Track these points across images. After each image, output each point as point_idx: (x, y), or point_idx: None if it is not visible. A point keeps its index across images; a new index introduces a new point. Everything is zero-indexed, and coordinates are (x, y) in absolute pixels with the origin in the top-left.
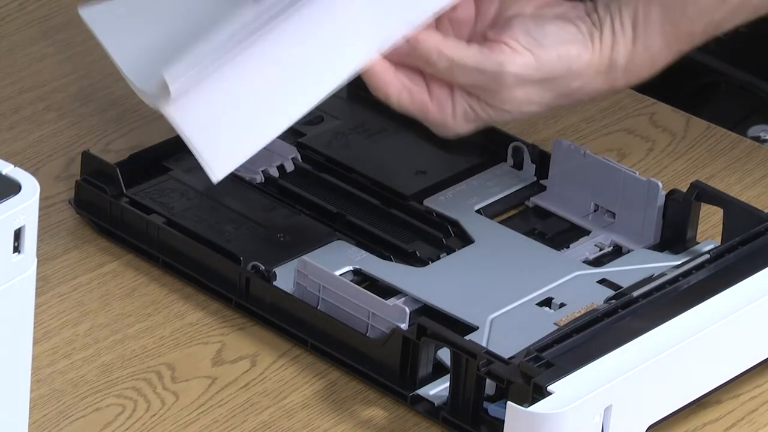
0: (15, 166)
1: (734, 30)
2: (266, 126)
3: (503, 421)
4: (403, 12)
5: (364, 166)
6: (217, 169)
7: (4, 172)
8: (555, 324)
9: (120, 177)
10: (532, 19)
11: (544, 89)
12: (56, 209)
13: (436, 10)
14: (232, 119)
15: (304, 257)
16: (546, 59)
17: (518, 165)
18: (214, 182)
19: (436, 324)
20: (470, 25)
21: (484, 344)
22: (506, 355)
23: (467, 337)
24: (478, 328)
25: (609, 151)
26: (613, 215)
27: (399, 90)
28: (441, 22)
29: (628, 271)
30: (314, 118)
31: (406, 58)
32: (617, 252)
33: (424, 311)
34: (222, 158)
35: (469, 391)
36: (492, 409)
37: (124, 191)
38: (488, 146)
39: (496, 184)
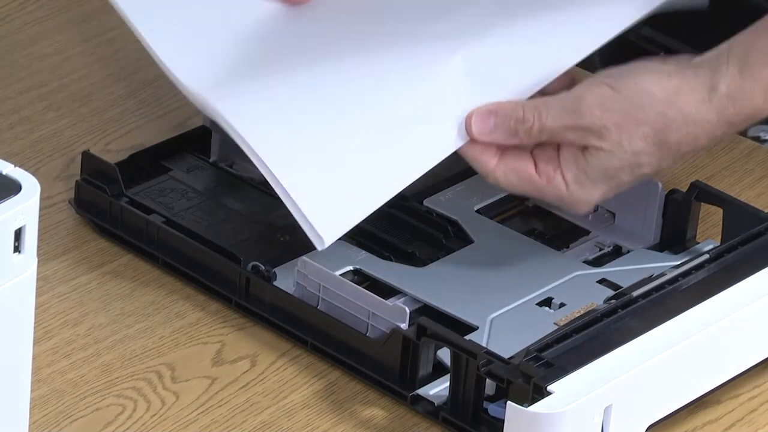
0: (15, 166)
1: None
2: (377, 188)
3: (503, 421)
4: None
5: None
6: (326, 235)
7: (4, 172)
8: (555, 324)
9: (120, 177)
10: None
11: (638, 122)
12: (56, 209)
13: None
14: (340, 178)
15: (304, 257)
16: (622, 86)
17: None
18: (320, 249)
19: (436, 324)
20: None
21: (484, 344)
22: (506, 355)
23: (467, 337)
24: (478, 328)
25: None
26: (613, 215)
27: (505, 171)
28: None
29: (628, 271)
30: None
31: (498, 132)
32: (617, 252)
33: (424, 311)
34: (331, 221)
35: (469, 391)
36: (492, 409)
37: (124, 191)
38: None
39: None
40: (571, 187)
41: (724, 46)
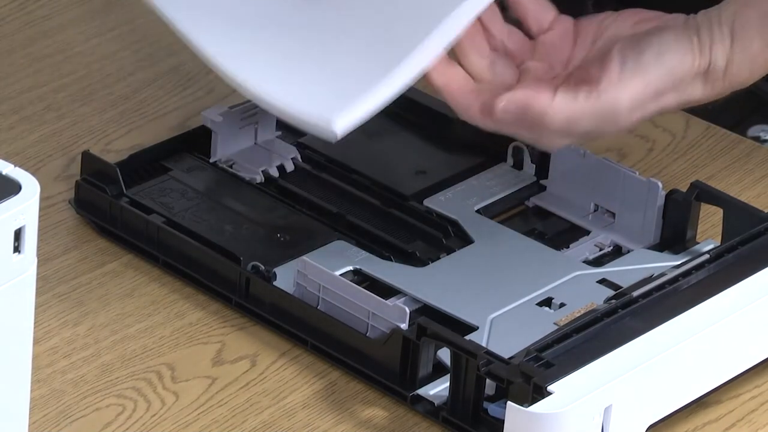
0: (15, 166)
1: None
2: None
3: (503, 421)
4: None
5: (364, 166)
6: (339, 121)
7: (4, 172)
8: (555, 324)
9: (120, 177)
10: (628, 42)
11: (655, 101)
12: (56, 209)
13: None
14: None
15: (304, 257)
16: (653, 77)
17: (518, 165)
18: (340, 135)
19: (436, 324)
20: (569, 48)
21: (484, 344)
22: (506, 355)
23: (467, 337)
24: (478, 328)
25: (609, 151)
26: (613, 215)
27: (483, 116)
28: (541, 45)
29: (628, 271)
30: None
31: (520, 121)
32: (617, 252)
33: (424, 311)
34: (340, 109)
35: (469, 391)
36: (492, 409)
37: (124, 191)
38: (488, 146)
39: (496, 184)
40: (554, 138)
41: (714, 12)
